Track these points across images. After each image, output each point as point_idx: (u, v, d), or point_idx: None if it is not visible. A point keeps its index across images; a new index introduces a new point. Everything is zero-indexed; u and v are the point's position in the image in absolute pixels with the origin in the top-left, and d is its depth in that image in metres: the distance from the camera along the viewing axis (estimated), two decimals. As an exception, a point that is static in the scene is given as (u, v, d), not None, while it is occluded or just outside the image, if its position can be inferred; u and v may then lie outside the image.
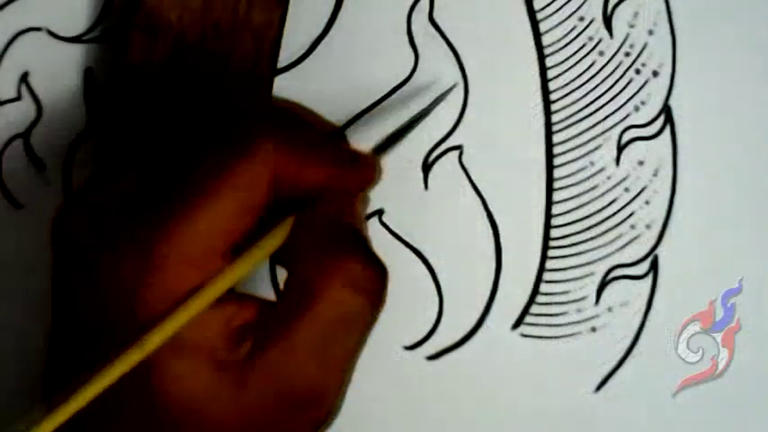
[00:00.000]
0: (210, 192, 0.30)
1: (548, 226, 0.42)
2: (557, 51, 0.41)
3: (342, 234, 0.32)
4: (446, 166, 0.41)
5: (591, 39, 0.42)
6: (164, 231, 0.30)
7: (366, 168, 0.34)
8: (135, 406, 0.30)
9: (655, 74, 0.42)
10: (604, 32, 0.42)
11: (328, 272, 0.30)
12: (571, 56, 0.42)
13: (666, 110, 0.42)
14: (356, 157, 0.34)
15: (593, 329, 0.42)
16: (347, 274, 0.30)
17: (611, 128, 0.42)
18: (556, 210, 0.42)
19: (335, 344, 0.31)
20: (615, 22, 0.42)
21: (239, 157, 0.31)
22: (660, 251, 0.42)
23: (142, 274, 0.29)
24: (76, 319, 0.31)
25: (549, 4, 0.41)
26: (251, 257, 0.31)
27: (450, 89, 0.41)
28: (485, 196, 0.41)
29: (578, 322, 0.42)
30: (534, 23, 0.41)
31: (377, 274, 0.31)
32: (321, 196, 0.32)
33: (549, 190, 0.42)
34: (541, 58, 0.41)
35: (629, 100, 0.42)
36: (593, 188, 0.42)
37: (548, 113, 0.42)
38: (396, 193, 0.41)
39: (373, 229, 0.41)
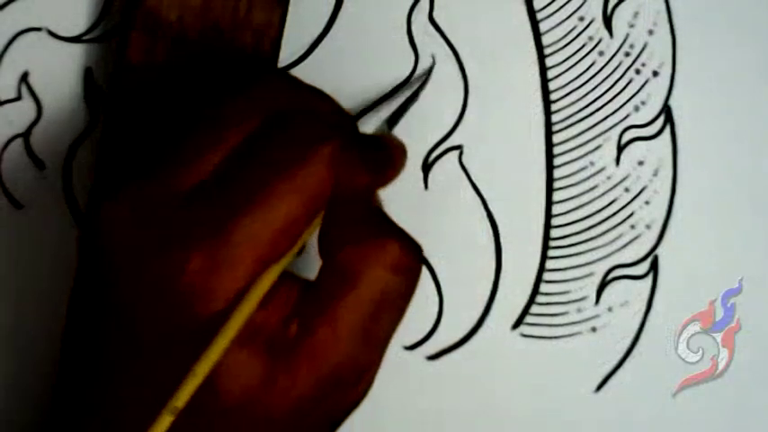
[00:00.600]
0: (279, 193, 0.31)
1: (548, 226, 0.42)
2: (557, 51, 0.41)
3: (376, 218, 0.33)
4: (446, 166, 0.41)
5: (591, 39, 0.42)
6: (234, 227, 0.30)
7: (399, 163, 0.35)
8: (193, 400, 0.30)
9: (655, 74, 0.42)
10: (604, 32, 0.42)
11: (368, 254, 0.31)
12: (571, 56, 0.42)
13: (666, 110, 0.42)
14: (390, 156, 0.35)
15: (594, 329, 0.42)
16: (387, 256, 0.31)
17: (611, 128, 0.42)
18: (556, 210, 0.42)
19: (377, 322, 0.32)
20: (615, 22, 0.42)
21: (306, 159, 0.31)
22: (660, 251, 0.42)
23: (210, 272, 0.30)
24: (116, 319, 0.31)
25: (548, 4, 0.41)
26: (296, 247, 0.32)
27: (432, 66, 0.41)
28: (485, 196, 0.41)
29: (578, 322, 0.42)
30: (534, 23, 0.41)
31: (413, 254, 0.32)
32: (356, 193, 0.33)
33: (549, 190, 0.42)
34: (541, 58, 0.41)
35: (629, 100, 0.42)
36: (593, 188, 0.42)
37: (548, 113, 0.42)
38: (396, 193, 0.41)
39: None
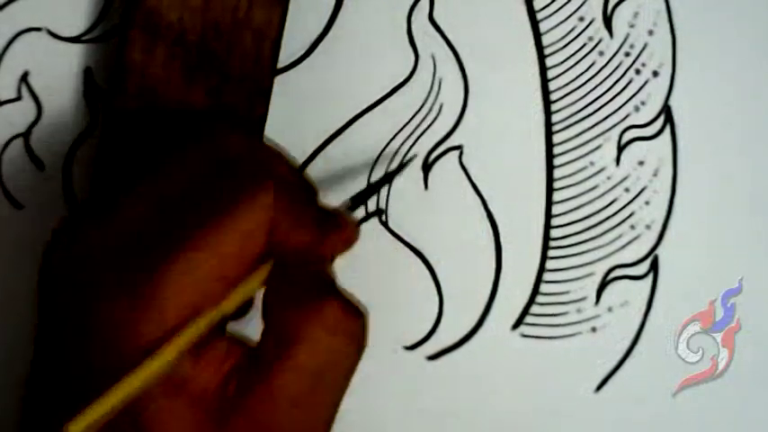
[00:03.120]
0: (210, 236, 0.30)
1: (548, 226, 0.42)
2: (557, 51, 0.42)
3: (317, 282, 0.32)
4: (446, 166, 0.41)
5: (591, 39, 0.42)
6: (161, 274, 0.30)
7: (348, 234, 0.34)
8: None
9: (655, 74, 0.42)
10: (604, 32, 0.42)
11: (306, 317, 0.31)
12: (571, 56, 0.42)
13: (666, 110, 0.42)
14: (339, 223, 0.34)
15: (594, 329, 0.42)
16: (325, 318, 0.31)
17: (611, 128, 0.42)
18: (556, 210, 0.42)
19: (319, 389, 0.31)
20: (615, 22, 0.42)
21: (240, 203, 0.31)
22: (660, 251, 0.42)
23: (135, 316, 0.29)
24: (60, 359, 0.31)
25: (548, 5, 0.41)
26: (231, 301, 0.31)
27: (412, 159, 0.41)
28: (485, 196, 0.41)
29: (578, 322, 0.42)
30: (534, 23, 0.41)
31: (354, 316, 0.31)
32: (299, 254, 0.32)
33: (549, 190, 0.42)
34: (541, 58, 0.41)
35: (629, 100, 0.42)
36: (593, 188, 0.42)
37: (548, 113, 0.42)
38: (396, 193, 0.41)
39: (373, 229, 0.41)
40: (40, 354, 0.33)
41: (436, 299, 0.41)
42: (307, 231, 0.32)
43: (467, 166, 0.41)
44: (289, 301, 0.31)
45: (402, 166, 0.41)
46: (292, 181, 0.33)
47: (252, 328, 0.33)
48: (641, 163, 0.42)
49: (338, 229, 0.33)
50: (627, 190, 0.42)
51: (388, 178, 0.40)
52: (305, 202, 0.33)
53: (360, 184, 0.40)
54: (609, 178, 0.42)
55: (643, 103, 0.42)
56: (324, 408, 0.31)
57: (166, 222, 0.31)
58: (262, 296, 0.32)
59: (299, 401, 0.30)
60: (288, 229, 0.31)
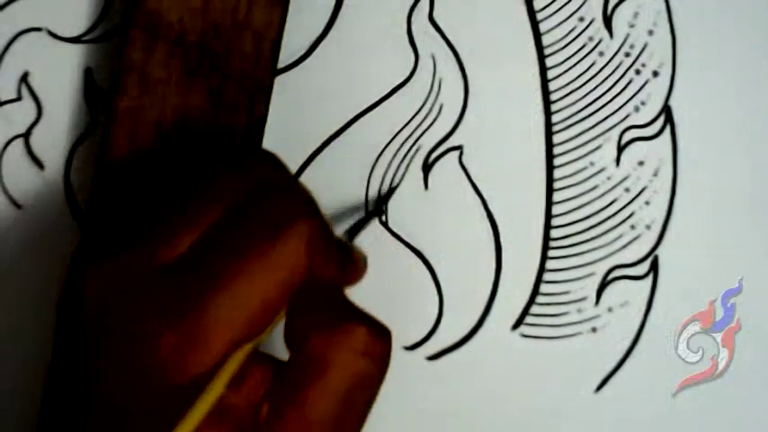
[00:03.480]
0: (257, 269, 0.31)
1: (548, 226, 0.42)
2: (557, 51, 0.41)
3: (341, 306, 0.32)
4: (446, 166, 0.41)
5: (591, 39, 0.42)
6: (208, 309, 0.30)
7: (361, 270, 0.35)
8: None
9: (655, 74, 0.42)
10: (604, 32, 0.42)
11: (335, 342, 0.31)
12: (571, 56, 0.42)
13: (666, 110, 0.42)
14: (353, 258, 0.35)
15: (594, 329, 0.42)
16: (354, 341, 0.31)
17: (612, 128, 0.42)
18: (556, 210, 0.42)
19: (348, 408, 0.31)
20: (615, 22, 0.42)
21: (280, 236, 0.31)
22: (660, 251, 0.42)
23: (183, 352, 0.30)
24: (92, 394, 0.31)
25: (549, 5, 0.41)
26: (269, 329, 0.32)
27: (395, 189, 0.41)
28: (485, 196, 0.41)
29: (578, 322, 0.42)
30: (534, 23, 0.41)
31: (381, 337, 0.32)
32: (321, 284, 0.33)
33: (549, 190, 0.42)
34: (541, 58, 0.41)
35: (629, 100, 0.42)
36: (593, 188, 0.42)
37: (548, 113, 0.42)
38: (396, 193, 0.41)
39: (373, 229, 0.41)
40: (58, 387, 0.32)
41: (436, 299, 0.41)
42: (332, 266, 0.32)
43: (467, 166, 0.41)
44: (314, 325, 0.31)
45: (390, 193, 0.41)
46: (317, 210, 0.34)
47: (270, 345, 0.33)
48: (641, 163, 0.42)
49: (353, 264, 0.35)
50: (627, 190, 0.42)
51: (379, 208, 0.40)
52: (331, 234, 0.33)
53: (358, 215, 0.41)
54: (609, 178, 0.42)
55: (643, 104, 0.42)
56: (352, 425, 0.32)
57: (209, 255, 0.31)
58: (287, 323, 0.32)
59: (328, 423, 0.31)
60: (320, 262, 0.32)
